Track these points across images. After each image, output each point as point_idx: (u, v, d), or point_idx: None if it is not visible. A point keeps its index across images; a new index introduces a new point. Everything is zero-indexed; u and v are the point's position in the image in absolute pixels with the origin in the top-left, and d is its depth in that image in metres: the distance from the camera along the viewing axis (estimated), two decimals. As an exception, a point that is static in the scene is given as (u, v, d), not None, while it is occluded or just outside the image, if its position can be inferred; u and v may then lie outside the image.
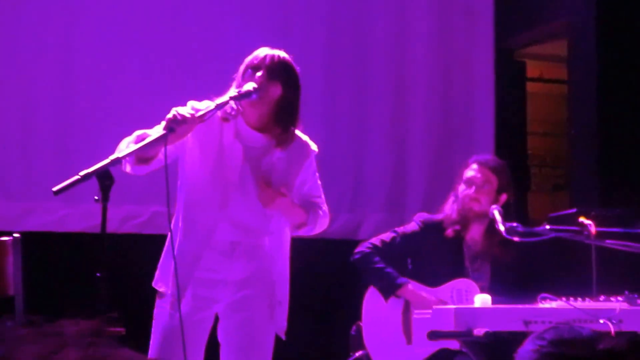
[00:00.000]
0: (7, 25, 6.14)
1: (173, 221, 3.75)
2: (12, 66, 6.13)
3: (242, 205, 3.71)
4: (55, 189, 3.20)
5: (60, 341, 1.50)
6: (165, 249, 3.78)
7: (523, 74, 7.54)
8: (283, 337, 3.80)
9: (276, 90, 3.68)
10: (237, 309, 3.74)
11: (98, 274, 3.27)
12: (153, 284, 3.78)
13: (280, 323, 3.80)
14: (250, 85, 3.62)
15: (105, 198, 3.27)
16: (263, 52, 3.73)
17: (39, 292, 5.43)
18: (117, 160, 3.33)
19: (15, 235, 5.14)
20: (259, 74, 3.66)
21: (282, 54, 3.75)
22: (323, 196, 3.90)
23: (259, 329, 3.75)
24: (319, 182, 3.90)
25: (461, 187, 4.75)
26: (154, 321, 3.77)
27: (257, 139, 3.74)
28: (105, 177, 3.25)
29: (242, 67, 3.74)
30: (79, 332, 1.52)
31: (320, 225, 3.89)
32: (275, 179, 3.72)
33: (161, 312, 3.75)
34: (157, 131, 3.53)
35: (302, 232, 3.86)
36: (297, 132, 3.82)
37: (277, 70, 3.68)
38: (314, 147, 3.87)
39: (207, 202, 3.70)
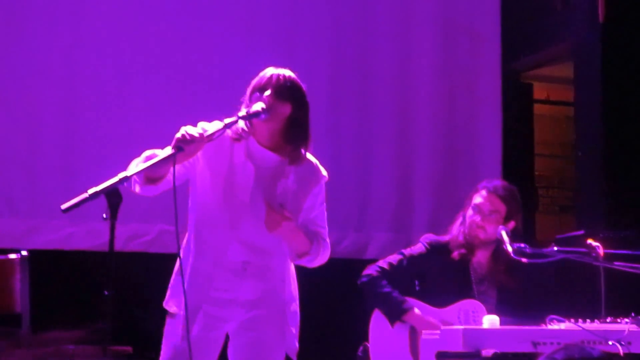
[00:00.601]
0: (12, 45, 6.15)
1: (184, 241, 3.75)
2: (17, 85, 6.13)
3: (253, 226, 3.68)
4: (63, 206, 3.18)
5: None
6: (175, 269, 3.77)
7: (530, 95, 7.54)
8: (294, 359, 3.79)
9: (285, 109, 3.67)
10: (248, 328, 3.73)
11: (105, 292, 3.26)
12: (164, 305, 3.76)
13: (291, 344, 3.78)
14: (258, 106, 3.61)
15: (113, 216, 3.25)
16: (269, 72, 3.73)
17: (46, 310, 5.43)
18: (126, 179, 3.32)
19: (23, 253, 5.14)
20: (267, 93, 3.67)
21: (289, 72, 3.75)
22: (327, 228, 3.86)
23: (269, 349, 3.73)
24: (325, 212, 3.87)
25: (469, 212, 4.74)
26: (163, 339, 3.75)
27: (269, 158, 3.72)
28: (113, 196, 3.24)
29: (249, 89, 3.73)
30: None
31: (321, 258, 3.81)
32: (286, 202, 3.70)
33: (171, 331, 3.73)
34: (166, 151, 3.52)
35: (302, 262, 3.80)
36: (309, 155, 3.80)
37: (284, 89, 3.68)
38: (324, 172, 3.85)
39: (218, 222, 3.68)
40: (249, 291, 3.71)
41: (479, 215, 4.69)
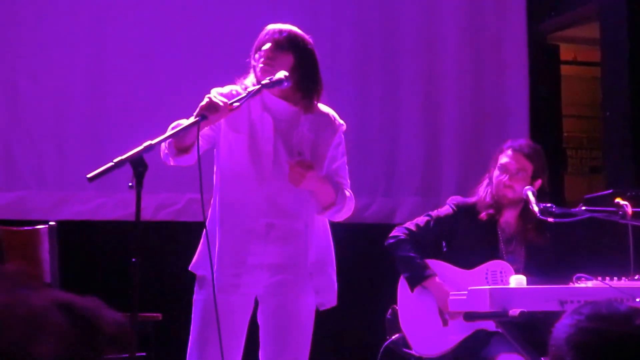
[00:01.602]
0: (40, 17, 6.19)
1: (210, 209, 3.78)
2: (44, 57, 6.17)
3: (277, 180, 3.70)
4: (89, 175, 3.21)
5: None
6: (204, 234, 3.80)
7: (557, 57, 7.49)
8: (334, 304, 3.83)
9: (287, 60, 3.68)
10: (274, 293, 3.74)
11: (133, 260, 3.29)
12: (190, 268, 3.80)
13: (325, 297, 3.81)
14: (282, 74, 3.62)
15: (139, 184, 3.28)
16: (268, 27, 3.76)
17: (75, 280, 5.48)
18: (151, 147, 3.34)
19: (51, 223, 5.19)
20: (266, 46, 3.68)
21: (288, 26, 3.76)
22: (348, 180, 3.84)
23: (296, 313, 3.75)
24: (346, 165, 3.87)
25: (495, 173, 4.72)
26: (193, 306, 3.78)
27: (284, 108, 3.74)
28: (138, 164, 3.26)
29: (254, 47, 3.76)
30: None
31: (347, 209, 3.80)
32: (304, 150, 3.72)
33: (199, 298, 3.77)
34: (190, 120, 3.54)
35: (329, 214, 3.79)
36: (324, 106, 3.82)
37: (284, 41, 3.69)
38: (341, 121, 3.85)
39: (244, 178, 3.69)
40: (273, 255, 3.73)
41: (506, 175, 4.68)
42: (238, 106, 3.57)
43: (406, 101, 6.79)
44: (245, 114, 3.72)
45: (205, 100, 3.51)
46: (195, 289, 3.80)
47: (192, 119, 3.51)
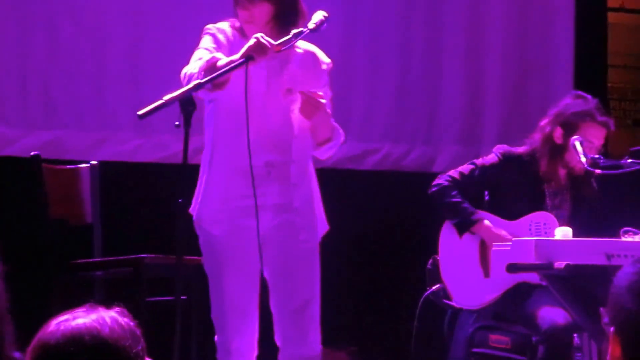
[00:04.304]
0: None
1: (203, 154, 3.80)
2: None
3: (269, 115, 3.71)
4: (140, 112, 3.24)
5: None
6: (200, 175, 3.80)
7: (604, 4, 7.35)
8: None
9: (263, 10, 3.70)
10: (275, 234, 3.74)
11: (179, 200, 3.28)
12: (190, 210, 3.78)
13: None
14: (320, 14, 3.67)
15: (187, 124, 3.30)
16: None
17: (115, 221, 5.47)
18: (200, 86, 3.37)
19: (93, 162, 5.17)
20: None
21: None
22: (332, 117, 3.88)
23: (300, 252, 3.77)
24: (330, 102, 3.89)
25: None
26: (202, 248, 3.83)
27: None
28: (188, 103, 3.29)
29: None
30: None
31: (338, 144, 3.88)
32: (294, 87, 3.74)
33: (200, 239, 3.81)
34: (206, 53, 3.63)
35: (323, 150, 3.85)
36: (311, 44, 3.84)
37: None
38: (327, 59, 3.88)
39: (240, 115, 3.66)
40: (275, 195, 3.70)
41: (594, 152, 4.49)
42: (285, 48, 3.57)
43: (448, 48, 6.69)
44: (237, 49, 3.68)
45: (253, 40, 3.48)
46: (199, 234, 3.82)
47: (237, 57, 3.52)
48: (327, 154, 3.88)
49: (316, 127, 3.77)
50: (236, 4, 3.75)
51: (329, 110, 3.75)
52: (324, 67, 3.86)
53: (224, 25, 3.81)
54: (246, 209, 3.69)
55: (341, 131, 3.87)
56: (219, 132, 3.72)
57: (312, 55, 3.85)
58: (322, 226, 3.89)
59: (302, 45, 3.82)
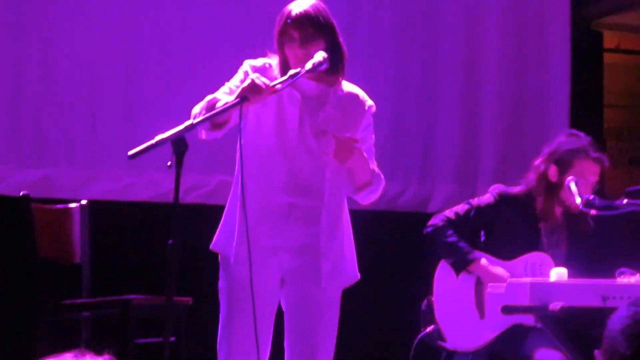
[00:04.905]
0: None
1: (231, 191, 3.72)
2: (79, 31, 6.11)
3: (301, 156, 3.64)
4: (130, 152, 3.21)
5: None
6: (225, 211, 3.73)
7: (600, 44, 7.38)
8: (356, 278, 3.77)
9: (320, 46, 3.61)
10: (299, 276, 3.67)
11: (170, 241, 3.24)
12: (211, 247, 3.74)
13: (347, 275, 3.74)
14: (320, 55, 3.57)
15: (179, 164, 3.27)
16: (289, 14, 3.63)
17: (104, 261, 5.43)
18: (192, 127, 3.34)
19: (83, 202, 5.14)
20: (294, 38, 3.60)
21: (307, 5, 3.64)
22: (375, 163, 3.77)
23: (320, 300, 3.68)
24: (374, 148, 3.80)
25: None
26: (219, 294, 3.74)
27: (312, 85, 3.68)
28: (180, 143, 3.26)
29: (276, 29, 3.66)
30: None
31: (379, 190, 3.76)
32: (330, 129, 3.63)
33: (223, 285, 3.72)
34: (226, 96, 3.54)
35: (364, 194, 3.74)
36: (354, 86, 3.75)
37: (313, 30, 3.60)
38: (371, 102, 3.77)
39: (268, 152, 3.63)
40: (295, 236, 3.65)
41: (589, 189, 4.47)
42: (280, 89, 3.53)
43: (445, 85, 6.69)
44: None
45: (248, 81, 3.46)
46: (220, 274, 3.74)
47: (230, 98, 3.48)
48: (367, 199, 3.77)
49: (353, 172, 3.68)
50: (289, 43, 3.63)
51: (365, 155, 3.66)
52: (366, 109, 3.75)
53: (261, 61, 3.72)
54: (268, 248, 3.65)
55: (382, 175, 3.75)
56: (245, 170, 3.68)
57: (353, 97, 3.74)
58: (352, 275, 3.77)
59: (345, 86, 3.74)
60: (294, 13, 3.62)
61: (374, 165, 3.74)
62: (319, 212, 3.67)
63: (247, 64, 3.67)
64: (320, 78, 3.67)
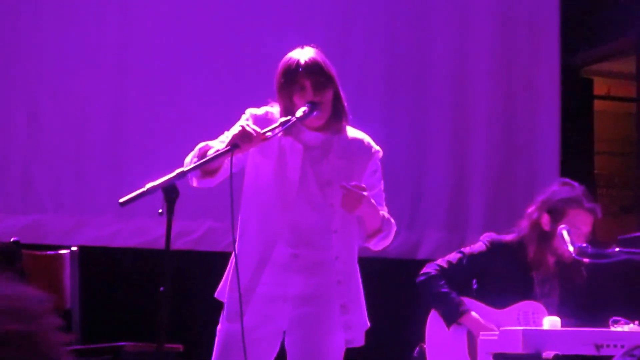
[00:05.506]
0: (62, 41, 6.12)
1: (237, 234, 3.65)
2: (66, 79, 6.11)
3: (303, 208, 3.58)
4: (121, 200, 3.18)
5: None
6: (230, 260, 3.69)
7: (590, 91, 7.40)
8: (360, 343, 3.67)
9: (329, 95, 3.57)
10: (301, 326, 3.61)
11: (161, 289, 3.21)
12: (215, 295, 3.68)
13: (353, 335, 3.65)
14: (305, 106, 3.51)
15: (170, 211, 3.25)
16: (297, 63, 3.57)
17: (95, 307, 5.39)
18: (182, 174, 3.31)
19: (73, 248, 5.11)
20: (305, 88, 3.55)
21: (312, 54, 3.60)
22: (386, 208, 3.71)
23: (324, 350, 3.61)
24: (383, 192, 3.73)
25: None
26: (216, 337, 3.67)
27: (316, 136, 3.62)
28: (171, 191, 3.24)
29: (279, 80, 3.60)
30: None
31: (391, 235, 3.67)
32: (334, 178, 3.58)
33: (221, 328, 3.65)
34: (221, 144, 3.49)
35: (375, 241, 3.65)
36: (359, 131, 3.70)
37: (320, 77, 3.56)
38: (377, 147, 3.71)
39: (270, 205, 3.58)
40: (297, 286, 3.61)
41: (581, 238, 4.45)
42: (271, 136, 3.49)
43: (434, 133, 6.68)
44: (276, 139, 3.61)
45: (238, 128, 3.42)
46: (220, 318, 3.69)
47: (223, 145, 3.44)
48: (379, 245, 3.68)
49: (363, 220, 3.60)
50: (300, 92, 3.56)
51: (373, 201, 3.57)
52: (372, 155, 3.68)
53: (263, 110, 3.66)
54: (269, 298, 3.59)
55: (392, 221, 3.67)
56: (246, 221, 3.65)
57: (358, 143, 3.67)
58: (361, 325, 3.69)
59: (350, 132, 3.67)
60: (303, 61, 3.56)
61: (384, 211, 3.66)
62: (324, 262, 3.60)
63: (249, 113, 3.62)
64: (324, 127, 3.61)
